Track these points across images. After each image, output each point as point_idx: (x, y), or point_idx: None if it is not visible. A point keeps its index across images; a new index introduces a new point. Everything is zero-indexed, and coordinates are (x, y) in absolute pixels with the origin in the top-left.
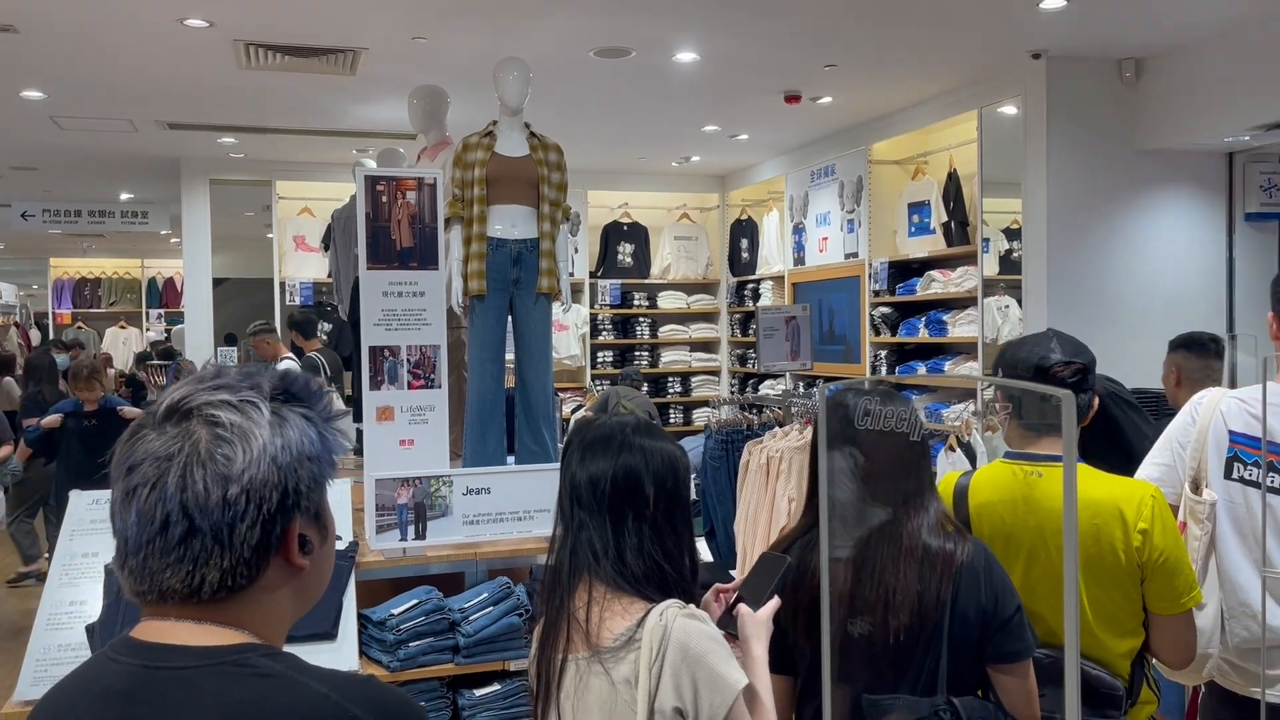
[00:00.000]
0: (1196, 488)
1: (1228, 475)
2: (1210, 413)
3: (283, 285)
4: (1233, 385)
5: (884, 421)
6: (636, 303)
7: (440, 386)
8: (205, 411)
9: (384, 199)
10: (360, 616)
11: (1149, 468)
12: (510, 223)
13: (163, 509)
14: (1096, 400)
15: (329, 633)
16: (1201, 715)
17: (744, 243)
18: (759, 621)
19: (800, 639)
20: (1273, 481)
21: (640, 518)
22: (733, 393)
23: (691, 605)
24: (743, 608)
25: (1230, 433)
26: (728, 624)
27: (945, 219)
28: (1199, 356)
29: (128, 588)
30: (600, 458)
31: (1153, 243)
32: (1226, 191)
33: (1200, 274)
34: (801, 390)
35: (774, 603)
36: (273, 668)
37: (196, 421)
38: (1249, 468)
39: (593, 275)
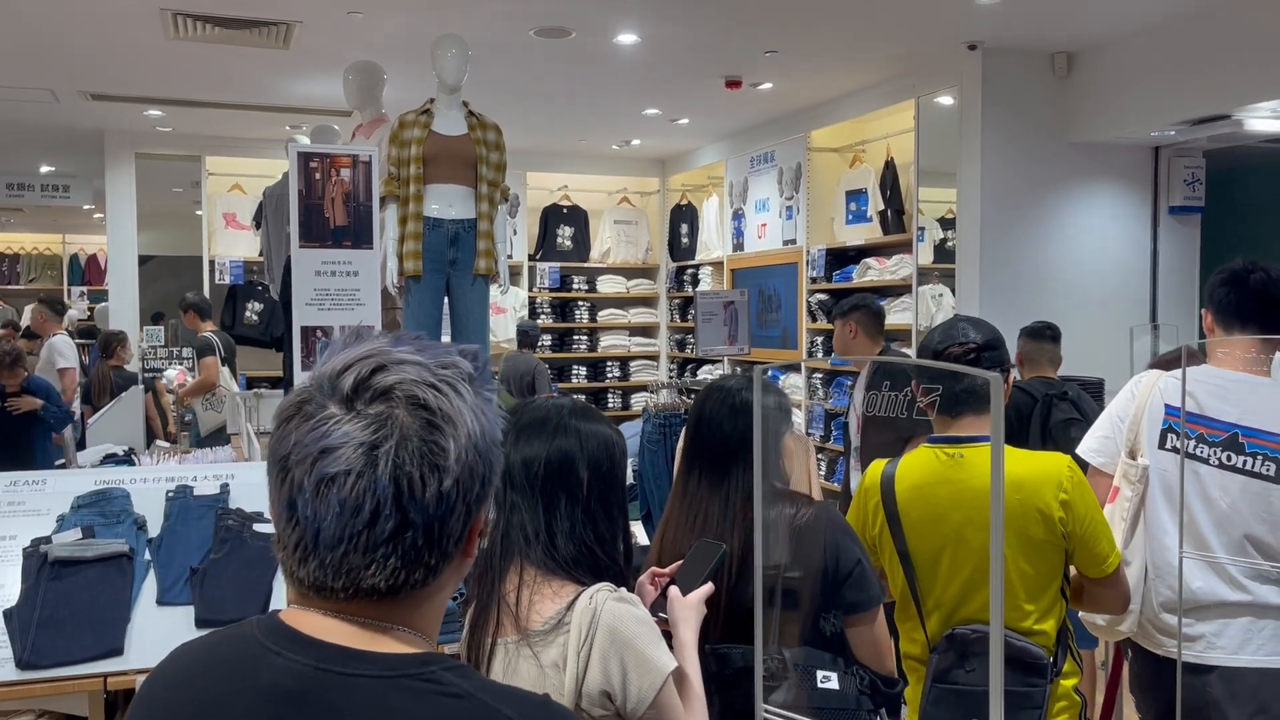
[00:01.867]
0: (1133, 455)
1: (1161, 445)
2: (1149, 390)
3: (212, 263)
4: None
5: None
6: (576, 286)
7: None
8: (409, 391)
9: (317, 176)
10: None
11: (1090, 440)
12: (447, 202)
13: (372, 500)
14: (1011, 377)
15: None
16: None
17: (684, 228)
18: (688, 605)
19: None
20: (1200, 453)
21: (573, 501)
22: (671, 378)
23: (622, 589)
24: (672, 591)
25: (1166, 406)
26: (662, 608)
27: (882, 207)
28: (1035, 341)
29: (310, 581)
30: (535, 440)
31: (1082, 234)
32: (1152, 185)
33: (1126, 264)
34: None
35: (706, 588)
36: (461, 687)
37: (399, 405)
38: (1181, 438)
39: (531, 258)
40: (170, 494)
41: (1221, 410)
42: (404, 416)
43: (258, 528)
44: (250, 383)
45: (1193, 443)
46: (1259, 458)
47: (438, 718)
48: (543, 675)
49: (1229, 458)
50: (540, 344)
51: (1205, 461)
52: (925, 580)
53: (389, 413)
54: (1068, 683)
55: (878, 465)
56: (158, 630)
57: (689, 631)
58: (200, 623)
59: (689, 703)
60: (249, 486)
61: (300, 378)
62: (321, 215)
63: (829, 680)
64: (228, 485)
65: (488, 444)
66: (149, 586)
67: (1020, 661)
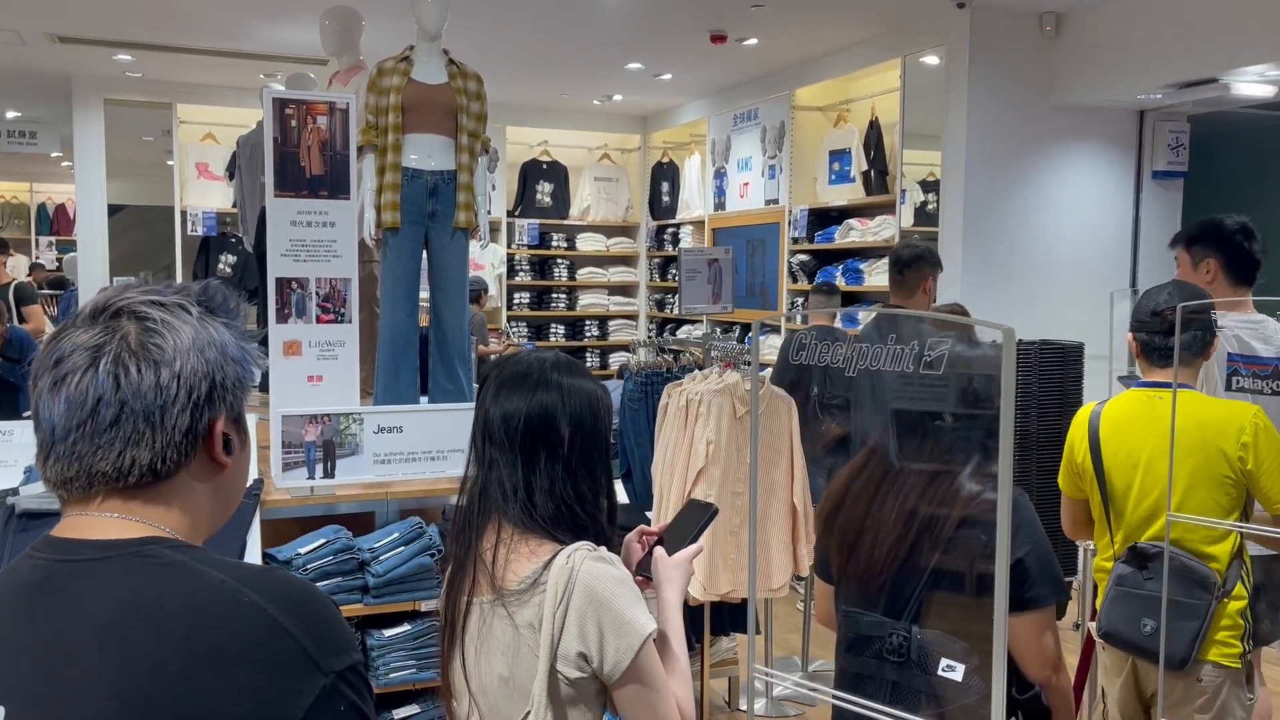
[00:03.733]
0: None
1: (1228, 387)
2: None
3: (184, 214)
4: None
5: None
6: (555, 244)
7: (351, 321)
8: (135, 309)
9: (293, 123)
10: (265, 556)
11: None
12: (427, 153)
13: (94, 392)
14: (1216, 339)
15: None
16: None
17: (665, 186)
18: (673, 565)
19: (832, 553)
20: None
21: (554, 458)
22: (650, 336)
23: (601, 549)
24: (657, 550)
25: (1229, 354)
26: (648, 567)
27: (865, 168)
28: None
29: (54, 477)
30: (515, 394)
31: (1065, 197)
32: (1136, 149)
33: (1108, 228)
34: (720, 335)
35: (694, 547)
36: (173, 558)
37: (126, 318)
38: (1245, 379)
39: (510, 214)
40: None
41: (1263, 350)
42: (128, 325)
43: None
44: None
45: (1255, 380)
46: None
47: (148, 586)
48: (518, 636)
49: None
50: (517, 301)
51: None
52: (1117, 503)
53: (116, 325)
54: (1235, 605)
55: (1089, 406)
56: None
57: (673, 592)
58: None
59: (670, 664)
60: None
61: (275, 331)
62: (297, 164)
63: (952, 670)
64: None
65: (218, 355)
66: None
67: (1189, 577)
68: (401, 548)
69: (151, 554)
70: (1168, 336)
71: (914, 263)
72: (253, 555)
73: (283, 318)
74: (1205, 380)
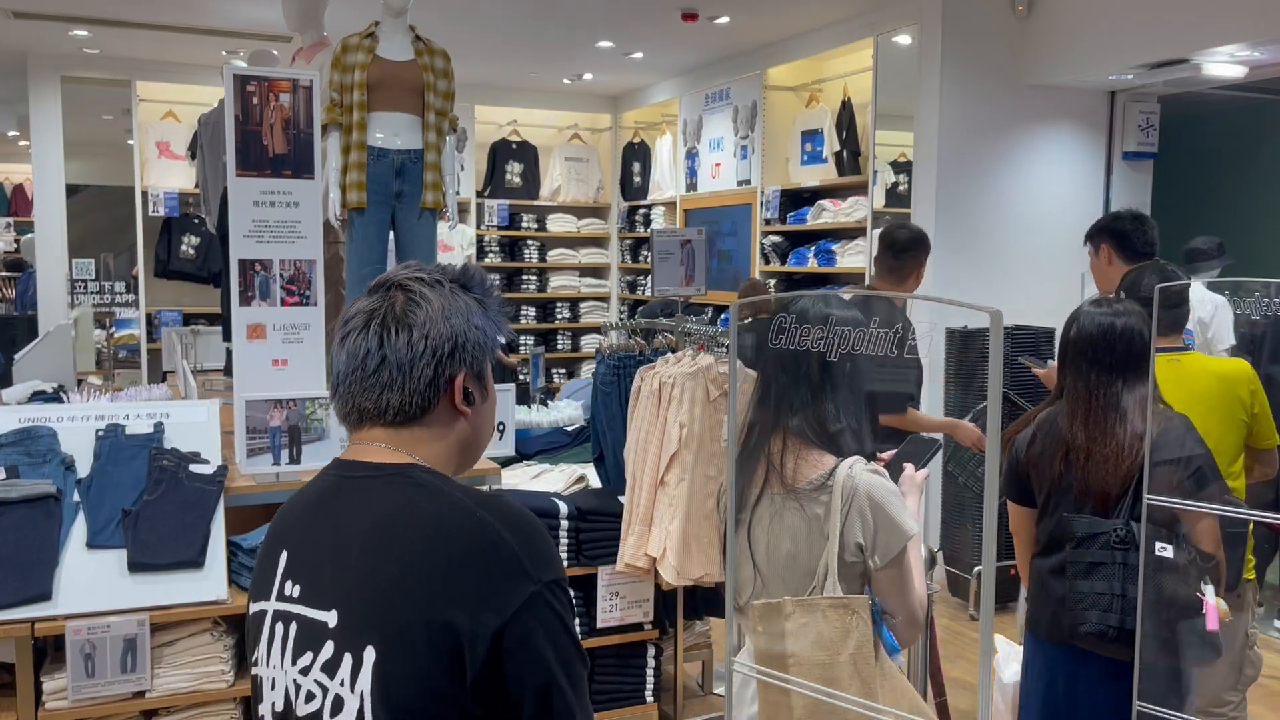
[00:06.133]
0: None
1: None
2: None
3: (145, 195)
4: None
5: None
6: (525, 225)
7: (316, 304)
8: (404, 283)
9: (255, 101)
10: (230, 544)
11: None
12: (393, 131)
13: (364, 347)
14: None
15: (195, 560)
16: None
17: (636, 166)
18: (915, 482)
19: (1052, 475)
20: None
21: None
22: (622, 318)
23: (873, 463)
24: (908, 467)
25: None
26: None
27: (838, 148)
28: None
29: (337, 412)
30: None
31: (1036, 178)
32: (1107, 130)
33: (1079, 210)
34: (693, 319)
35: (924, 471)
36: (426, 480)
37: (396, 290)
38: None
39: (480, 195)
40: (100, 433)
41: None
42: (397, 295)
43: (194, 468)
44: (187, 319)
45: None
46: None
47: (405, 500)
48: (807, 524)
49: None
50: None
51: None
52: None
53: (389, 295)
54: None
55: None
56: (88, 574)
57: (913, 503)
58: (133, 566)
59: (913, 561)
60: (184, 426)
61: (238, 314)
62: (260, 143)
63: (1165, 550)
64: (162, 424)
65: (463, 321)
66: (78, 529)
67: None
68: None
69: (410, 476)
70: (1168, 310)
71: (911, 247)
72: (217, 543)
73: (245, 300)
74: (1202, 345)
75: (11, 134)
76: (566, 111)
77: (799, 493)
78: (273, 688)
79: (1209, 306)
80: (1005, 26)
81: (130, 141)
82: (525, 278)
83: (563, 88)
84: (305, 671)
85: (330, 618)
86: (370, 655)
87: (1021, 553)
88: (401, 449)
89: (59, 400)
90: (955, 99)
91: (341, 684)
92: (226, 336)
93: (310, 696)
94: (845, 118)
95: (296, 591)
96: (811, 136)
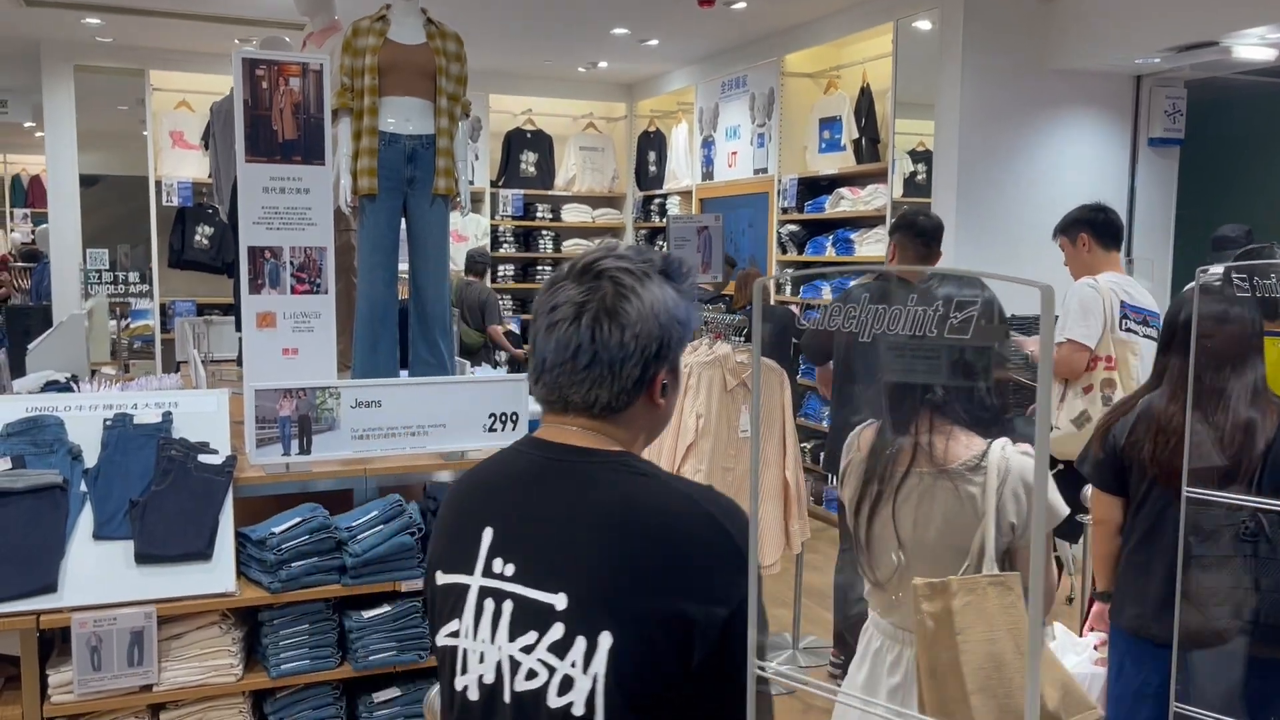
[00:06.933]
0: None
1: (1120, 328)
2: (1107, 289)
3: (159, 185)
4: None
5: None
6: (539, 215)
7: (327, 292)
8: (612, 274)
9: (264, 85)
10: (239, 535)
11: (1078, 329)
12: (404, 116)
13: (576, 340)
14: None
15: (203, 552)
16: None
17: (651, 155)
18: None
19: (1151, 469)
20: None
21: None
22: None
23: (1020, 444)
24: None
25: (1122, 303)
26: None
27: (856, 135)
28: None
29: (539, 396)
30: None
31: (1059, 165)
32: (1132, 116)
33: (1103, 197)
34: (709, 307)
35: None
36: (645, 469)
37: (605, 280)
38: (1132, 322)
39: (494, 184)
40: (108, 422)
41: (1143, 301)
42: (606, 287)
43: (202, 458)
44: (201, 309)
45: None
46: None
47: (634, 489)
48: (960, 502)
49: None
50: (501, 274)
51: (1146, 337)
52: None
53: (597, 285)
54: None
55: None
56: (94, 565)
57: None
58: (140, 558)
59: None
60: (193, 416)
61: (248, 302)
62: (269, 128)
63: None
64: (170, 414)
65: (668, 318)
66: (85, 520)
67: None
68: (380, 526)
69: (628, 465)
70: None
71: (937, 235)
72: (225, 534)
73: (255, 288)
74: None
75: (28, 125)
76: (581, 100)
77: (952, 473)
78: (480, 661)
79: None
80: (1028, 9)
81: (145, 132)
82: (540, 268)
83: (578, 76)
84: (528, 650)
85: (559, 600)
86: (606, 640)
87: (1104, 542)
88: (602, 435)
89: (69, 390)
90: (976, 84)
91: (573, 665)
92: (239, 327)
93: (532, 674)
94: (864, 104)
95: (510, 570)
96: (830, 124)
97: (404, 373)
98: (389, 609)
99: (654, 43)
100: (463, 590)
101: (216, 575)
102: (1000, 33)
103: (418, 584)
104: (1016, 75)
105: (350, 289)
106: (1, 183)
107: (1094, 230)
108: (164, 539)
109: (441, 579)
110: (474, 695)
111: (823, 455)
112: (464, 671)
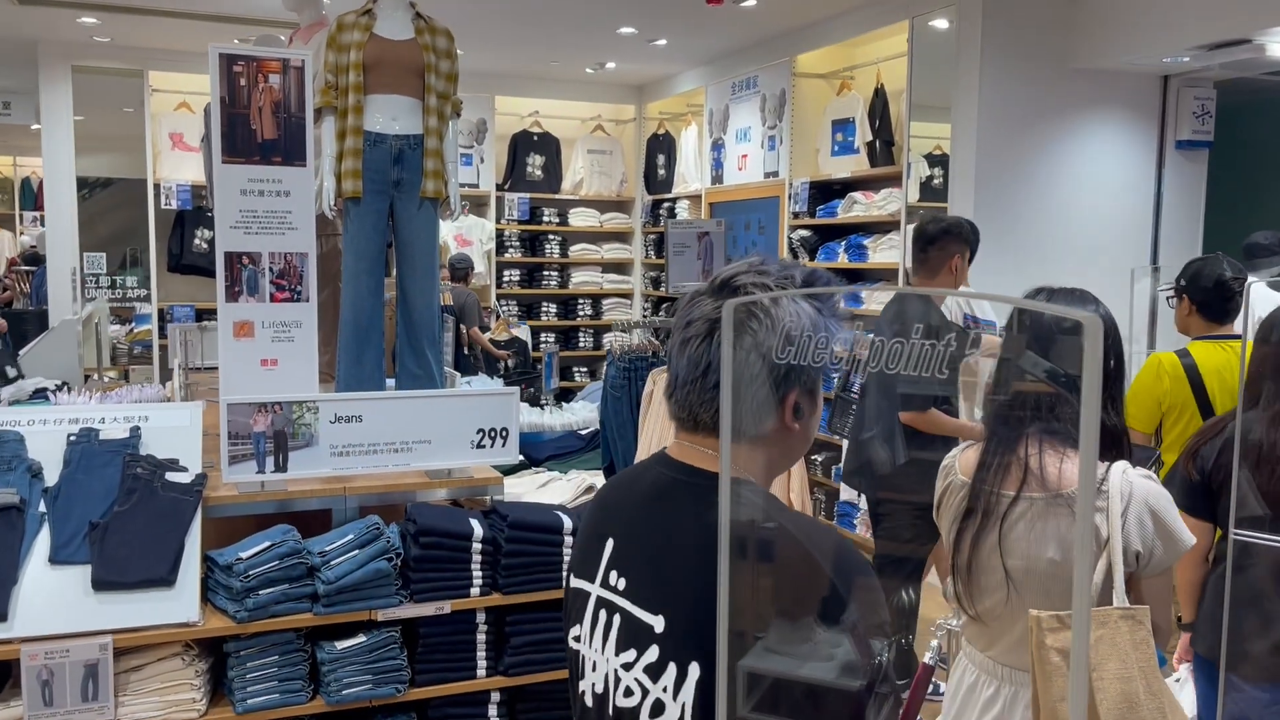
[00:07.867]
0: None
1: None
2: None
3: (158, 187)
4: (1153, 315)
5: None
6: (546, 219)
7: (308, 300)
8: (747, 288)
9: (242, 82)
10: (206, 559)
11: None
12: (391, 115)
13: (706, 359)
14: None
15: (165, 578)
16: None
17: (660, 159)
18: None
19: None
20: None
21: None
22: (645, 316)
23: (1140, 468)
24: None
25: (964, 315)
26: None
27: (870, 138)
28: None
29: (672, 411)
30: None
31: (1082, 169)
32: (1159, 117)
33: (1129, 202)
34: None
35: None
36: (751, 499)
37: (740, 296)
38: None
39: (499, 188)
40: (72, 438)
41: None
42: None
43: (170, 477)
44: (200, 315)
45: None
46: None
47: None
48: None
49: None
50: (507, 279)
51: None
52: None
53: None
54: None
55: (1166, 355)
56: (48, 592)
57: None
58: (98, 584)
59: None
60: (164, 430)
61: (224, 310)
62: (247, 127)
63: None
64: (139, 429)
65: (801, 338)
66: (42, 542)
67: None
68: (355, 551)
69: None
70: (1227, 301)
71: (939, 238)
72: (191, 558)
73: (232, 295)
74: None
75: (35, 127)
76: (589, 102)
77: (1069, 498)
78: (594, 670)
79: (1270, 305)
80: (1050, 6)
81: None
82: (546, 273)
83: (585, 77)
84: (628, 668)
85: (657, 622)
86: (695, 671)
87: (1193, 568)
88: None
89: (47, 400)
90: (996, 84)
91: (664, 690)
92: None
93: (629, 692)
94: (878, 106)
95: (622, 584)
96: (843, 126)
97: (391, 384)
98: (364, 639)
99: (662, 42)
100: (585, 597)
101: (180, 603)
102: (1020, 31)
103: (395, 613)
104: (1037, 75)
105: (336, 297)
106: (11, 186)
107: (971, 246)
108: (124, 564)
109: (573, 582)
110: (589, 702)
111: (840, 467)
112: (583, 676)
